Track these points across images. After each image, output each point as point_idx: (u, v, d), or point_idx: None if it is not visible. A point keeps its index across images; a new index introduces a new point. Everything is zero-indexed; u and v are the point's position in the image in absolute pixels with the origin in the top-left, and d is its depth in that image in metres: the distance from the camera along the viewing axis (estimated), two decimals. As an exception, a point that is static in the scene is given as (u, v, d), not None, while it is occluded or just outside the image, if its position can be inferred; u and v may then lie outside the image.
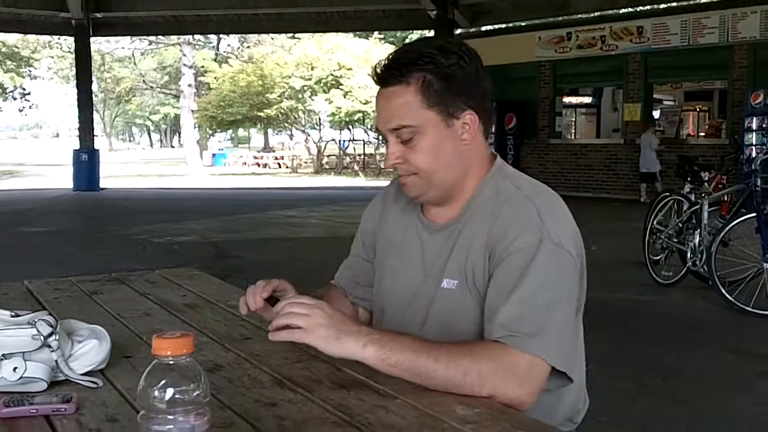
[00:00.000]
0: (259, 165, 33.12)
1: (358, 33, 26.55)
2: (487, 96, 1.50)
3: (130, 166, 33.26)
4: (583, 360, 1.51)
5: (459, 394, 1.25)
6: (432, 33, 17.53)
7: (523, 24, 17.83)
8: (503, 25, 18.44)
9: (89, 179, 17.82)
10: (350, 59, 25.63)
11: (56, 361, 1.33)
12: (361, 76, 24.36)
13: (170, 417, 0.84)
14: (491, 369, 1.25)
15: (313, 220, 12.27)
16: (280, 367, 1.41)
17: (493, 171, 1.50)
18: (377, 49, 26.43)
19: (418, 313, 1.51)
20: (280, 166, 32.07)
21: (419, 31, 24.52)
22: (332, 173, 27.12)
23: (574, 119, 18.96)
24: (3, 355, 1.30)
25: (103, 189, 18.24)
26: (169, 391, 0.84)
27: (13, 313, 1.37)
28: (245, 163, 34.28)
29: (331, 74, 25.77)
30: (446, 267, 1.47)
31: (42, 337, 1.31)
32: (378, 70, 1.46)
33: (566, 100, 18.11)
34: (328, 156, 29.64)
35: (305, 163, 31.10)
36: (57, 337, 1.33)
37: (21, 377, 1.29)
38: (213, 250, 9.01)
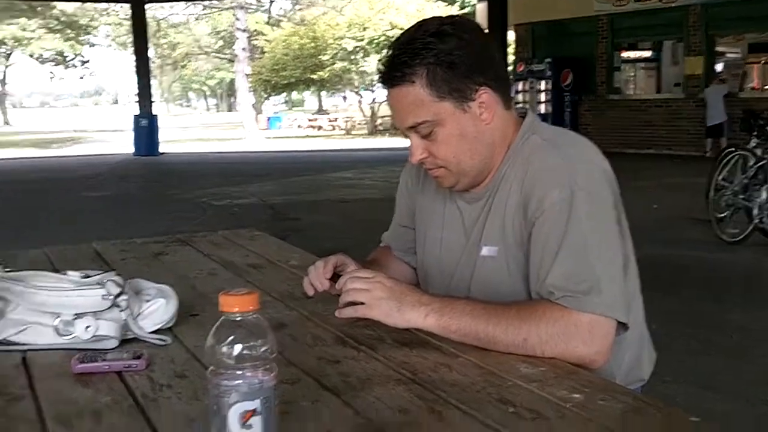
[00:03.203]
0: (313, 127, 33.20)
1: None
2: (498, 64, 1.45)
3: (188, 131, 33.70)
4: (641, 307, 1.49)
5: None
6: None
7: (580, -23, 17.37)
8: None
9: (149, 144, 18.13)
10: (402, 19, 25.33)
11: (125, 319, 1.36)
12: (405, 29, 24.12)
13: (238, 372, 0.85)
14: (552, 333, 1.24)
15: (368, 181, 12.29)
16: (342, 326, 1.42)
17: (522, 131, 1.46)
18: (429, 7, 26.08)
19: (462, 282, 1.51)
20: (334, 128, 32.11)
21: (473, -12, 24.15)
22: (387, 134, 27.02)
23: (633, 74, 18.47)
24: (75, 314, 1.34)
25: (162, 154, 18.55)
26: (237, 347, 0.85)
27: (83, 274, 1.41)
28: (300, 126, 34.40)
29: (384, 34, 25.54)
30: (484, 234, 1.46)
31: (111, 297, 1.35)
32: (381, 73, 1.42)
33: (625, 54, 17.65)
34: (382, 117, 29.51)
35: (359, 124, 31.06)
36: (126, 297, 1.37)
37: (93, 336, 1.33)
38: (270, 211, 9.12)
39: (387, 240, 1.78)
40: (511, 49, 17.72)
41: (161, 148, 18.83)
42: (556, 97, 16.01)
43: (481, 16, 17.35)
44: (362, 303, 1.32)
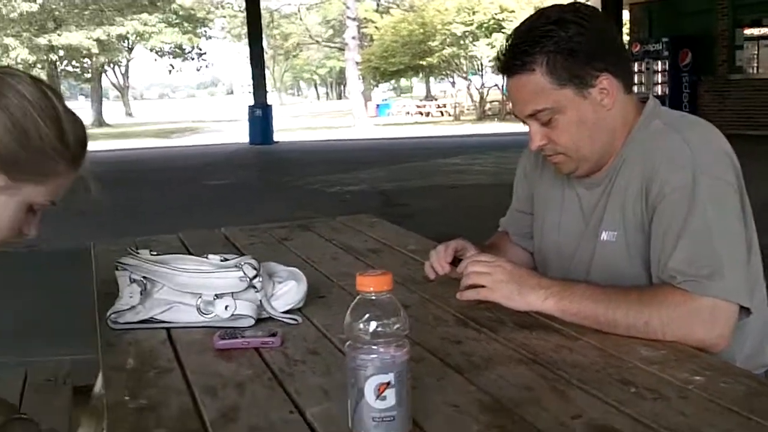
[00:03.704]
0: (421, 114, 33.25)
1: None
2: (619, 49, 1.46)
3: (299, 120, 34.44)
4: (765, 292, 1.47)
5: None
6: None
7: (698, -47, 16.66)
8: (676, -44, 17.30)
9: (263, 133, 18.64)
10: (512, 1, 24.99)
11: (260, 300, 1.46)
12: (525, 18, 23.75)
13: (373, 347, 0.92)
14: (674, 316, 1.26)
15: (478, 167, 12.25)
16: (462, 308, 1.47)
17: (644, 116, 1.47)
18: (540, -11, 25.63)
19: (581, 267, 1.53)
20: (442, 114, 32.07)
21: (585, -32, 23.51)
22: (495, 119, 26.77)
23: (756, 52, 17.56)
24: (215, 295, 1.45)
25: (276, 142, 19.05)
26: (372, 324, 0.92)
27: (222, 258, 1.52)
28: (408, 113, 34.53)
29: (493, 18, 25.27)
30: (603, 219, 1.48)
31: (248, 279, 1.45)
32: (500, 61, 1.45)
33: (747, 32, 16.80)
34: (491, 102, 29.24)
35: (468, 110, 30.90)
36: (261, 279, 1.47)
37: (231, 314, 1.44)
38: (381, 198, 9.25)
39: (505, 225, 1.82)
40: (626, 30, 17.20)
41: (275, 137, 19.34)
42: (674, 77, 15.44)
43: (595, -4, 16.93)
44: (483, 286, 1.37)
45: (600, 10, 1.47)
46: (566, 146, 1.45)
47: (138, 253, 1.53)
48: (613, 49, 1.44)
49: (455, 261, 1.55)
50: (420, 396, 1.05)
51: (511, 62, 1.43)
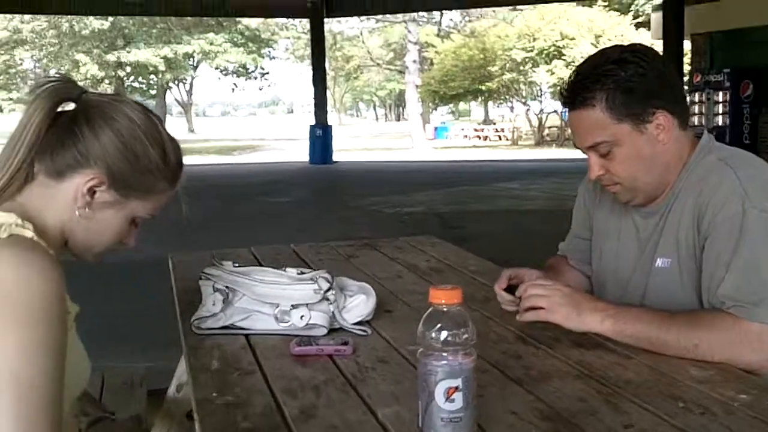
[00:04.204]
0: (479, 137, 33.31)
1: (581, 1, 25.73)
2: (675, 87, 1.54)
3: (358, 140, 34.81)
4: None
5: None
6: (661, -2, 16.62)
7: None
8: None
9: (323, 153, 18.94)
10: (573, 29, 24.96)
11: (333, 311, 1.58)
12: (585, 45, 23.68)
13: (444, 354, 1.02)
14: (722, 340, 1.33)
15: (534, 193, 12.26)
16: (521, 326, 1.56)
17: (698, 150, 1.55)
18: (602, 17, 25.51)
19: (636, 292, 1.62)
20: (500, 138, 32.07)
21: (648, -5, 23.37)
22: (553, 145, 26.68)
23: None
24: (292, 305, 1.57)
25: (335, 162, 19.32)
26: (443, 333, 1.02)
27: (299, 271, 1.64)
28: (466, 136, 34.61)
29: (554, 44, 25.26)
30: (659, 246, 1.56)
31: (322, 292, 1.57)
32: (563, 96, 1.55)
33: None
34: (549, 127, 29.15)
35: (526, 135, 30.86)
36: (334, 292, 1.58)
37: (306, 324, 1.55)
38: (438, 220, 9.34)
39: (564, 250, 1.91)
40: (687, 60, 17.01)
41: (334, 157, 19.62)
42: (735, 109, 15.18)
43: (657, 25, 16.78)
44: (542, 308, 1.47)
45: (660, 47, 1.55)
46: (623, 177, 1.54)
47: (222, 264, 1.66)
48: (669, 88, 1.53)
49: (511, 288, 1.64)
50: (483, 403, 1.14)
51: (573, 97, 1.53)
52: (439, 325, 1.03)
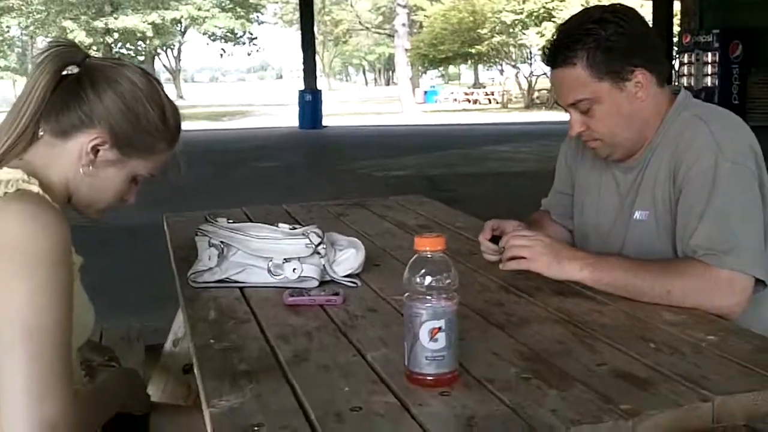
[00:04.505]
0: (469, 101, 33.26)
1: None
2: (654, 46, 1.60)
3: (347, 105, 34.70)
4: None
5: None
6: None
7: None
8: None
9: (313, 118, 18.91)
10: (564, -10, 24.86)
11: (324, 265, 1.64)
12: (575, 7, 23.56)
13: (428, 298, 1.08)
14: (693, 286, 1.41)
15: (524, 155, 12.32)
16: (505, 278, 1.63)
17: (675, 107, 1.61)
18: (593, -23, 25.39)
19: (616, 243, 1.69)
20: (490, 102, 32.04)
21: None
22: (543, 108, 26.67)
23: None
24: (284, 259, 1.63)
25: (325, 127, 19.30)
26: (427, 278, 1.08)
27: (291, 227, 1.70)
28: (456, 100, 34.55)
29: (543, 6, 25.20)
30: (637, 200, 1.64)
31: (313, 246, 1.63)
32: (545, 54, 1.61)
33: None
34: (539, 90, 29.12)
35: (516, 98, 30.84)
36: (324, 246, 1.64)
37: (299, 276, 1.62)
38: (427, 183, 9.40)
39: (546, 205, 1.98)
40: (676, 21, 16.99)
41: (323, 122, 19.59)
42: (724, 69, 15.25)
43: (647, -14, 16.74)
44: (524, 258, 1.53)
45: (650, 8, 1.61)
46: (602, 133, 1.60)
47: (216, 221, 1.72)
48: (648, 47, 1.59)
49: (494, 239, 1.71)
50: (466, 346, 1.21)
51: (555, 56, 1.59)
52: (423, 271, 1.09)
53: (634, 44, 1.56)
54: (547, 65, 1.63)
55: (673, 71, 15.56)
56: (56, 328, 1.11)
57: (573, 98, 1.59)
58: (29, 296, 1.10)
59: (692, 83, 15.68)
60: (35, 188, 1.20)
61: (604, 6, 1.61)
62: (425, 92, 37.61)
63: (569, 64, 1.56)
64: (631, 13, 1.59)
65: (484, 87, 38.41)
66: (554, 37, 1.61)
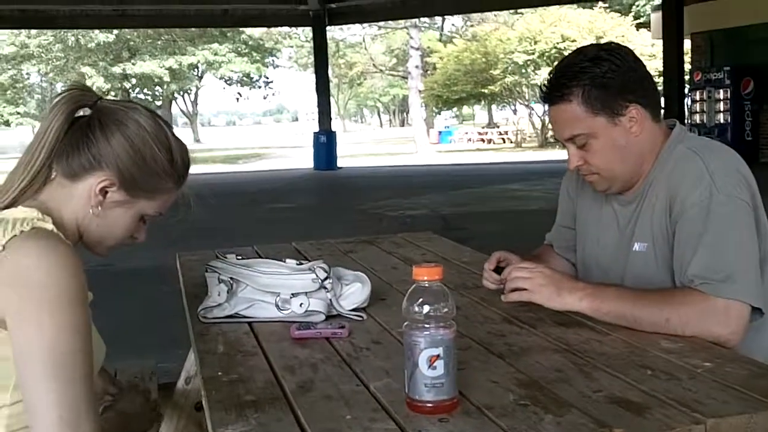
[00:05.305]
0: (483, 141, 33.43)
1: (582, 3, 25.83)
2: (647, 82, 1.64)
3: (362, 146, 34.94)
4: None
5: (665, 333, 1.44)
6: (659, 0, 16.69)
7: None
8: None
9: (327, 159, 19.05)
10: (574, 31, 25.07)
11: (330, 299, 1.68)
12: (567, 54, 23.77)
13: (426, 326, 1.12)
14: (691, 314, 1.43)
15: (537, 193, 12.34)
16: (507, 310, 1.66)
17: (670, 141, 1.65)
18: (602, 18, 25.61)
19: (616, 275, 1.72)
20: (504, 141, 32.18)
21: (648, -4, 23.47)
22: (557, 147, 26.70)
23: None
24: (292, 293, 1.67)
25: (340, 168, 19.44)
26: (426, 307, 1.12)
27: (298, 262, 1.74)
28: (470, 140, 34.73)
29: (555, 47, 25.35)
30: (635, 232, 1.67)
31: (320, 281, 1.67)
32: (543, 92, 1.66)
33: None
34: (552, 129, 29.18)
35: (529, 137, 30.97)
36: (331, 281, 1.68)
37: (306, 311, 1.65)
38: (441, 222, 9.44)
39: (549, 239, 2.01)
40: (687, 58, 17.07)
41: (339, 163, 19.73)
42: (736, 106, 15.25)
43: (656, 25, 16.86)
44: (525, 289, 1.57)
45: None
46: (599, 167, 1.65)
47: (226, 257, 1.77)
48: (641, 83, 1.64)
49: (498, 270, 1.75)
50: (466, 374, 1.24)
51: (552, 93, 1.64)
52: (421, 300, 1.13)
53: (628, 81, 1.61)
54: (545, 102, 1.68)
55: (685, 109, 15.58)
56: (82, 360, 1.16)
57: (570, 133, 1.63)
58: (54, 331, 1.15)
59: (705, 120, 15.69)
60: (49, 226, 1.25)
61: (599, 44, 1.67)
62: (440, 132, 37.83)
63: (565, 100, 1.61)
64: (624, 51, 1.64)
65: (498, 126, 38.58)
66: (551, 75, 1.67)
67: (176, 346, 2.41)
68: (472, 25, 37.67)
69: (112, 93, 38.27)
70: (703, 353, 1.33)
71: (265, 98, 46.15)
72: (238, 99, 45.55)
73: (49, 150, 1.31)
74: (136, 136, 1.35)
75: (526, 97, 29.47)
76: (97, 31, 34.31)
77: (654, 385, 1.19)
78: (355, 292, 1.72)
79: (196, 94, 48.59)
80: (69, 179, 1.34)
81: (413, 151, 28.64)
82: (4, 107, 41.77)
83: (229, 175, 20.47)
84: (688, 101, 16.03)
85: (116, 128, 1.34)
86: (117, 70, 38.20)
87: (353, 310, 1.69)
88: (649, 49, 21.73)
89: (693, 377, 1.22)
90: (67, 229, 1.32)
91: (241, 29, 35.86)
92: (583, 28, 25.09)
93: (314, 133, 19.66)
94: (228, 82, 43.59)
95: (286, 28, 37.63)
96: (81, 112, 1.35)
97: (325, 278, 1.68)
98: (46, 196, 1.33)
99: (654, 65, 16.62)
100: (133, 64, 38.01)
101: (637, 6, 28.17)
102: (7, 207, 1.28)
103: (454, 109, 42.26)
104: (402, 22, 33.56)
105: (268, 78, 43.94)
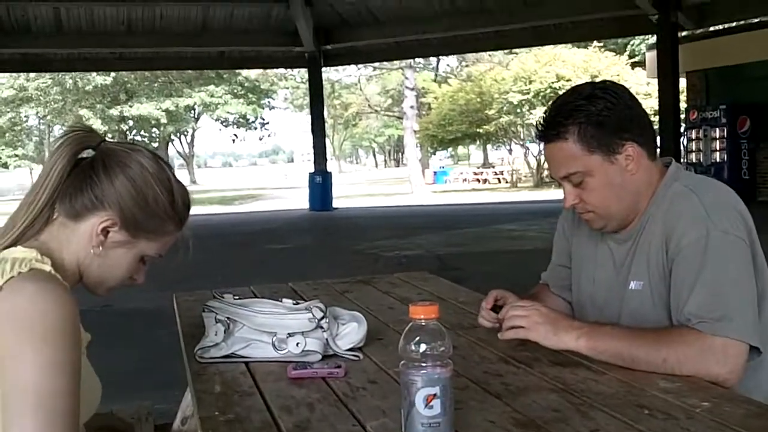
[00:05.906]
0: (479, 180, 33.59)
1: (576, 43, 26.16)
2: (643, 121, 1.66)
3: (358, 187, 35.07)
4: None
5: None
6: (654, 38, 16.92)
7: (755, 21, 16.72)
8: (733, 24, 17.39)
9: (323, 200, 19.09)
10: (569, 71, 25.35)
11: (327, 339, 1.68)
12: (562, 93, 24.00)
13: (423, 365, 1.12)
14: (688, 354, 1.43)
15: (533, 233, 12.36)
16: (504, 349, 1.66)
17: (666, 179, 1.67)
18: (597, 57, 25.91)
19: (612, 313, 1.72)
20: (499, 181, 32.34)
21: (640, 36, 23.77)
22: (552, 186, 26.81)
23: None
24: (288, 333, 1.67)
25: (335, 208, 19.47)
26: (422, 346, 1.12)
27: (294, 302, 1.74)
28: (465, 180, 34.89)
29: (550, 86, 25.60)
30: (631, 270, 1.68)
31: (316, 320, 1.67)
32: (538, 130, 1.68)
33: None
34: (548, 169, 29.33)
35: (525, 176, 31.12)
36: (327, 320, 1.68)
37: (302, 350, 1.65)
38: (437, 262, 9.43)
39: (545, 278, 2.02)
40: (683, 97, 17.25)
41: (334, 203, 19.77)
42: (732, 145, 15.36)
43: (651, 64, 17.05)
44: (522, 327, 1.57)
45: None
46: (595, 205, 1.66)
47: (223, 297, 1.77)
48: (637, 121, 1.65)
49: (496, 308, 1.75)
50: (463, 414, 1.24)
51: (547, 131, 1.66)
52: (417, 338, 1.13)
53: (624, 119, 1.62)
54: (540, 141, 1.70)
55: (681, 147, 15.67)
56: (65, 398, 1.15)
57: (565, 171, 1.65)
58: (40, 367, 1.14)
59: (701, 159, 15.78)
60: (47, 267, 1.26)
61: (594, 83, 1.70)
62: (435, 173, 38.01)
63: (561, 138, 1.63)
64: (619, 89, 1.66)
65: (493, 166, 38.81)
66: (546, 113, 1.68)
67: (173, 387, 2.40)
68: (467, 65, 38.11)
69: (110, 135, 38.47)
70: (701, 393, 1.33)
71: (260, 139, 46.42)
72: (234, 140, 45.80)
73: (51, 191, 1.33)
74: (139, 177, 1.36)
75: (522, 137, 29.66)
76: (94, 74, 34.60)
77: (651, 425, 1.18)
78: (351, 332, 1.72)
79: (192, 136, 48.90)
80: (71, 219, 1.35)
81: (408, 191, 28.72)
82: (3, 150, 41.98)
83: (225, 216, 20.47)
84: (684, 140, 16.13)
85: (120, 169, 1.35)
86: (114, 112, 38.47)
87: (350, 349, 1.69)
88: (644, 88, 21.93)
89: (691, 417, 1.22)
90: (68, 269, 1.33)
91: (237, 71, 36.21)
92: (578, 67, 25.37)
93: (309, 173, 19.73)
94: (224, 124, 43.87)
95: (281, 70, 38.03)
96: (84, 154, 1.37)
97: (322, 318, 1.68)
98: (48, 237, 1.34)
99: (649, 104, 16.74)
100: (130, 106, 38.29)
101: (632, 45, 28.51)
102: (8, 247, 1.29)
103: (450, 149, 42.48)
104: (397, 62, 33.91)
105: (264, 119, 44.23)
